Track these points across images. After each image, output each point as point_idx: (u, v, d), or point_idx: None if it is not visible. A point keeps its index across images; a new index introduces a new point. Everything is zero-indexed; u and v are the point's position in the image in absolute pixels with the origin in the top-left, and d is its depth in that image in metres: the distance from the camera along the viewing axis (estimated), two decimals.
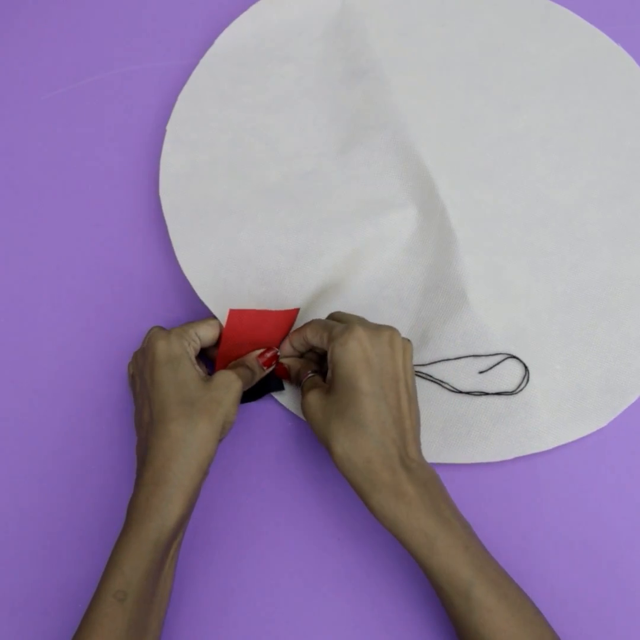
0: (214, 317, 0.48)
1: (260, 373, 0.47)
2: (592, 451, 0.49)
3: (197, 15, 0.64)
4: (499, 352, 0.50)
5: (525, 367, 0.50)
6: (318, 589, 0.46)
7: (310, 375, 0.46)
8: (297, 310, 0.50)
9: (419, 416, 0.43)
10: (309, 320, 0.48)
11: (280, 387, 0.49)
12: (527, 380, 0.50)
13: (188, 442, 0.40)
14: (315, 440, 0.49)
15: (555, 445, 0.48)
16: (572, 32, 0.63)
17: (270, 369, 0.48)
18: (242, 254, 0.52)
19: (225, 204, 0.54)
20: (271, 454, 0.49)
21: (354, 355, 0.41)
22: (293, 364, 0.48)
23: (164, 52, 0.63)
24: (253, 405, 0.50)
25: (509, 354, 0.50)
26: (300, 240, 0.53)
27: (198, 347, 0.46)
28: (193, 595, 0.46)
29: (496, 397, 0.49)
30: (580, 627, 0.44)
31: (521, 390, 0.49)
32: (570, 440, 0.49)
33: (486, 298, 0.52)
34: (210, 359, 0.49)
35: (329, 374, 0.43)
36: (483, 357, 0.50)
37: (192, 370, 0.43)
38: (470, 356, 0.50)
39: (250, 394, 0.49)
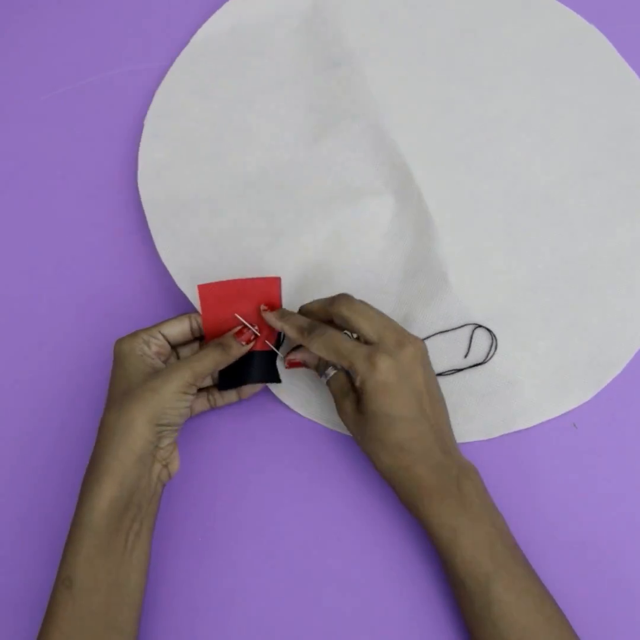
0: (186, 314, 0.48)
1: (239, 349, 0.46)
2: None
3: (197, 13, 0.64)
4: (466, 323, 0.51)
5: (493, 336, 0.50)
6: (318, 588, 0.46)
7: (333, 373, 0.46)
8: (279, 279, 0.48)
9: (446, 410, 0.45)
10: (301, 304, 0.48)
11: (277, 380, 0.49)
12: (495, 348, 0.50)
13: (117, 427, 0.41)
14: (316, 439, 0.50)
15: (540, 420, 0.49)
16: (546, 14, 0.63)
17: (250, 344, 0.47)
18: (220, 235, 0.53)
19: (203, 192, 0.55)
20: (271, 453, 0.50)
21: (385, 387, 0.41)
22: (310, 360, 0.47)
23: (164, 52, 0.63)
24: (254, 404, 0.51)
25: (476, 324, 0.51)
26: (279, 222, 0.54)
27: (162, 344, 0.46)
28: (193, 595, 0.46)
29: (479, 376, 0.50)
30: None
31: (490, 358, 0.50)
32: (555, 415, 0.49)
33: (467, 280, 0.53)
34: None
35: (361, 398, 0.43)
36: (452, 332, 0.51)
37: (139, 365, 0.43)
38: (437, 333, 0.51)
39: (242, 377, 0.48)
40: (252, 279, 0.48)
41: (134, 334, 0.45)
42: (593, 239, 0.54)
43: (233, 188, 0.55)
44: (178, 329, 0.46)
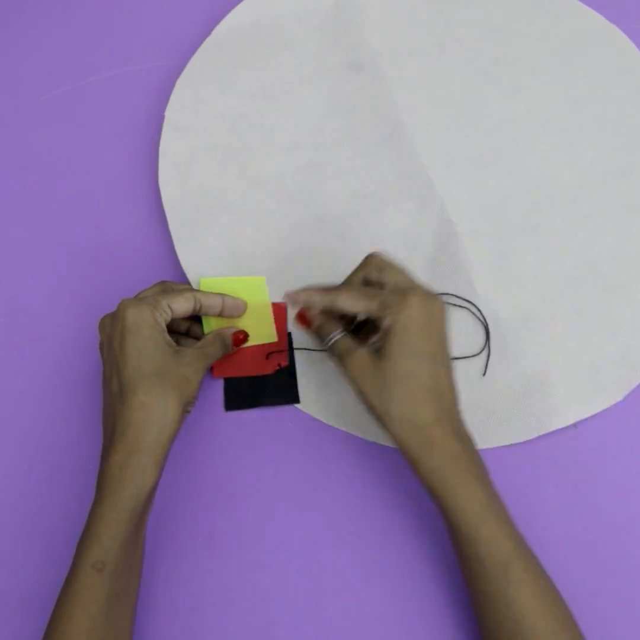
0: (191, 290, 0.47)
1: (230, 350, 0.48)
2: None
3: (196, 15, 0.65)
4: (463, 300, 0.52)
5: (486, 327, 0.51)
6: (320, 587, 0.46)
7: (340, 335, 0.44)
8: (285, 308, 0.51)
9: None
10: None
11: (296, 400, 0.50)
12: (488, 339, 0.51)
13: (161, 414, 0.41)
14: (314, 439, 0.50)
15: (575, 420, 0.49)
16: (567, 13, 0.64)
17: (237, 349, 0.49)
18: (239, 250, 0.54)
19: (223, 199, 0.56)
20: (271, 451, 0.49)
21: (417, 323, 0.41)
22: (316, 318, 0.46)
23: (164, 52, 0.64)
24: (261, 411, 0.51)
25: (470, 301, 0.52)
26: (293, 243, 0.54)
27: (169, 319, 0.45)
28: (196, 593, 0.46)
29: (512, 378, 0.50)
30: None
31: (482, 351, 0.51)
32: (589, 414, 0.49)
33: (494, 285, 0.53)
34: (179, 331, 0.50)
35: (380, 341, 0.42)
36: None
37: (162, 342, 0.43)
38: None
39: (254, 399, 0.50)
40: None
41: (151, 304, 0.43)
42: (620, 238, 0.55)
43: (252, 197, 0.56)
44: (185, 308, 0.46)
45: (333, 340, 0.44)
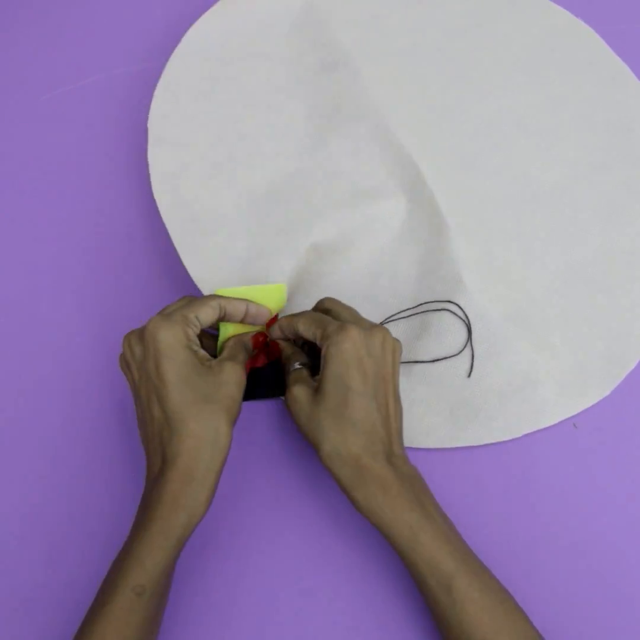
0: (215, 297, 0.45)
1: (251, 354, 0.47)
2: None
3: (196, 15, 0.65)
4: (443, 303, 0.51)
5: (468, 326, 0.51)
6: (315, 588, 0.46)
7: (297, 367, 0.46)
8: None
9: (402, 415, 0.45)
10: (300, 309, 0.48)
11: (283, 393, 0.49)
12: (470, 338, 0.50)
13: (212, 440, 0.40)
14: None
15: (562, 418, 0.49)
16: (535, 12, 0.64)
17: (255, 351, 0.48)
18: (240, 259, 0.53)
19: (218, 212, 0.54)
20: (271, 454, 0.49)
21: (348, 356, 0.42)
22: (286, 349, 0.48)
23: (163, 53, 0.63)
24: (252, 404, 0.51)
25: (451, 301, 0.51)
26: (293, 238, 0.53)
27: (198, 331, 0.44)
28: (192, 595, 0.46)
29: (499, 377, 0.50)
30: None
31: (464, 349, 0.50)
32: (576, 412, 0.50)
33: (482, 281, 0.53)
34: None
35: (321, 372, 0.44)
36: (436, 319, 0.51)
37: (198, 363, 0.42)
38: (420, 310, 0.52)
39: (248, 393, 0.49)
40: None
41: (181, 322, 0.42)
42: (602, 236, 0.55)
43: (245, 209, 0.55)
44: (211, 317, 0.44)
45: (290, 371, 0.46)
